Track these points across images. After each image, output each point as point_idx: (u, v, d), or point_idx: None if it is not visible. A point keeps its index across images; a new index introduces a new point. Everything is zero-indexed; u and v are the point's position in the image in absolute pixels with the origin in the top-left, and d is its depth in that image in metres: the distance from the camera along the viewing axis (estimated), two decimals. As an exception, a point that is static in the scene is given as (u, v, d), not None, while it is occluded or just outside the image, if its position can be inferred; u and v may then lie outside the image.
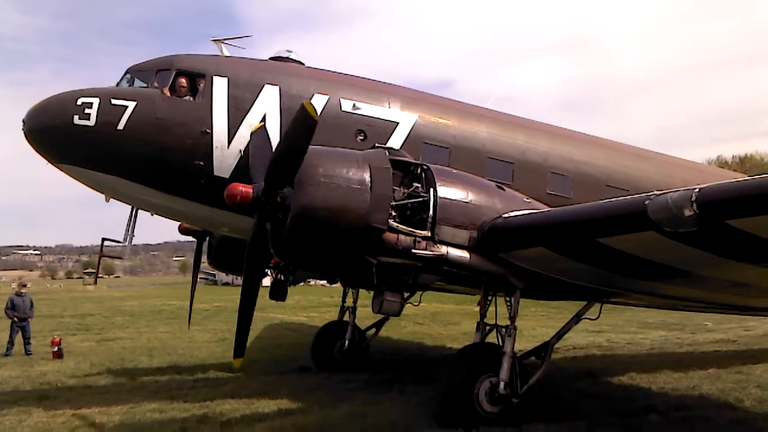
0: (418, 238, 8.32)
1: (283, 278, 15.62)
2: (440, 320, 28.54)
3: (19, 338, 18.94)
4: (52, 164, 10.75)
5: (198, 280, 18.82)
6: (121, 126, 10.32)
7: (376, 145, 9.72)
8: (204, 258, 16.78)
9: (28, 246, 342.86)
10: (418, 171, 8.85)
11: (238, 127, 10.69)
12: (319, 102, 11.05)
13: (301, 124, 7.91)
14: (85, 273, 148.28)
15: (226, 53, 11.77)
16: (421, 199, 8.51)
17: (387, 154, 8.78)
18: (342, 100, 11.33)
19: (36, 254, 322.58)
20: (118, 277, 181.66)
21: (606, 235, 7.27)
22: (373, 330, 15.61)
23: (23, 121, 10.60)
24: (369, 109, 11.46)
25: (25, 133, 10.60)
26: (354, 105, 11.33)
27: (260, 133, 10.38)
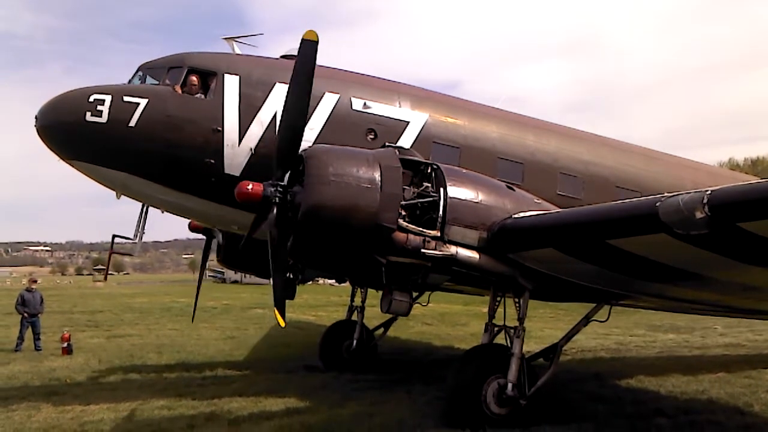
0: (427, 238, 8.33)
1: (291, 277, 15.66)
2: (448, 321, 28.49)
3: (29, 334, 19.02)
4: (64, 161, 10.81)
5: (206, 277, 18.88)
6: (132, 123, 10.36)
7: (387, 144, 9.72)
8: (213, 255, 16.85)
9: (38, 242, 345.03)
10: (428, 170, 8.86)
11: (249, 125, 10.71)
12: (329, 101, 11.07)
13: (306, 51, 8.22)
14: (95, 269, 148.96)
15: (238, 51, 11.80)
16: (431, 198, 8.51)
17: (397, 153, 8.78)
18: (353, 98, 11.33)
19: (46, 250, 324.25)
20: (127, 273, 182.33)
21: (616, 236, 7.24)
22: (381, 330, 15.62)
23: (36, 117, 10.66)
24: (379, 108, 11.45)
25: (37, 130, 10.66)
26: (365, 104, 11.32)
27: None
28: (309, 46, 8.27)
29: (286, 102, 8.65)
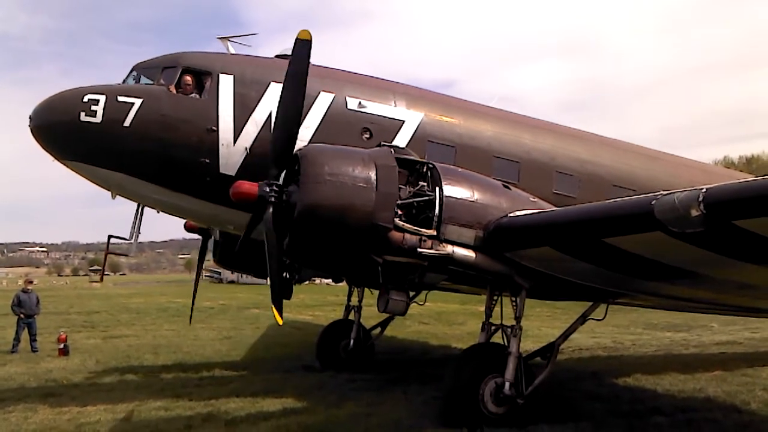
0: (423, 237, 8.31)
1: (288, 276, 15.63)
2: (445, 320, 28.51)
3: (25, 335, 18.98)
4: (59, 161, 10.77)
5: (203, 277, 18.88)
6: (127, 123, 10.33)
7: (382, 143, 9.73)
8: (209, 256, 16.81)
9: (34, 243, 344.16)
10: (424, 169, 8.84)
11: (244, 125, 10.68)
12: (324, 100, 11.05)
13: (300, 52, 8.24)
14: (91, 270, 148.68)
15: (232, 51, 11.77)
16: (426, 197, 8.50)
17: (393, 152, 8.77)
18: (348, 98, 11.30)
19: (42, 251, 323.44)
20: (123, 274, 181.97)
21: (612, 235, 7.24)
22: (378, 329, 15.61)
23: (30, 117, 10.62)
24: (375, 108, 11.42)
25: (31, 130, 10.62)
26: (360, 103, 11.30)
27: None
28: (302, 45, 8.31)
29: (280, 101, 8.66)
